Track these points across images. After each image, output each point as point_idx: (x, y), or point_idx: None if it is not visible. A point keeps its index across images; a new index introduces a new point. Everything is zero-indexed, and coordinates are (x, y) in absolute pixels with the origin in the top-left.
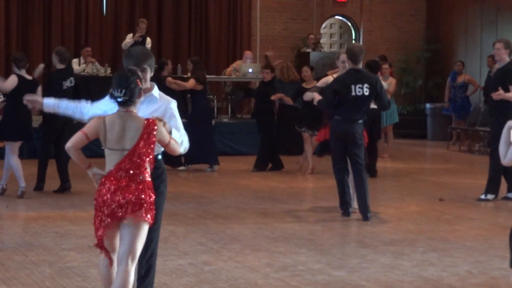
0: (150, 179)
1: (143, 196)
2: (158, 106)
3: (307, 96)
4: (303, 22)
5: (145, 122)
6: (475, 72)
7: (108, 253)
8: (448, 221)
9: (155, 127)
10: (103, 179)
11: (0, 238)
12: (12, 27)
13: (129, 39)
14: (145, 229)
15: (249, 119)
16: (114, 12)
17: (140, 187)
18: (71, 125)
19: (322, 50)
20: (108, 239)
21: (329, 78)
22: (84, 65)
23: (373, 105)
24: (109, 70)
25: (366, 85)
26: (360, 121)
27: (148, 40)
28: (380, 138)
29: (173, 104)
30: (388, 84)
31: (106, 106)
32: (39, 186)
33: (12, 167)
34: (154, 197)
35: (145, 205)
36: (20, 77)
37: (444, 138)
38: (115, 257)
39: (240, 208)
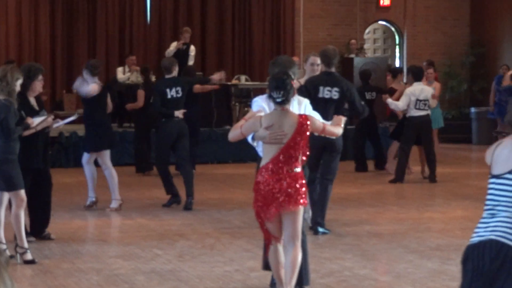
0: (301, 169)
1: (297, 185)
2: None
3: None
4: (347, 28)
5: (299, 117)
6: None
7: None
8: None
9: (308, 121)
10: (261, 171)
11: (48, 246)
12: (57, 37)
13: (173, 47)
14: (302, 212)
15: None
16: (158, 20)
17: (294, 177)
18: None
19: (366, 55)
20: (270, 227)
21: (296, 83)
22: (128, 74)
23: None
24: (153, 78)
25: (335, 88)
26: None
27: (192, 48)
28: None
29: (307, 101)
30: (433, 88)
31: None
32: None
33: (94, 177)
34: (305, 184)
35: (300, 193)
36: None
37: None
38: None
39: None
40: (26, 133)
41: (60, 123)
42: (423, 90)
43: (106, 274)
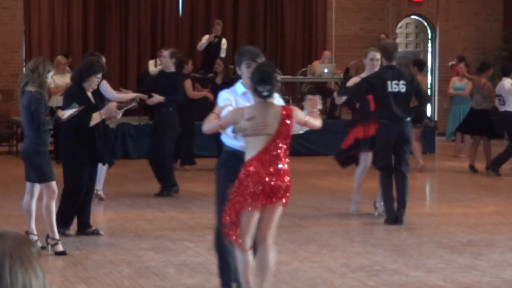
0: (287, 166)
1: (283, 182)
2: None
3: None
4: (379, 22)
5: (283, 108)
6: None
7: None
8: None
9: (292, 112)
10: (250, 162)
11: (79, 238)
12: (90, 30)
13: (204, 40)
14: (281, 211)
15: (325, 119)
16: (190, 13)
17: (281, 172)
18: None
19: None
20: (247, 220)
21: (357, 79)
22: (160, 66)
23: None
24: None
25: (402, 81)
26: (408, 119)
27: (224, 41)
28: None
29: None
30: (465, 84)
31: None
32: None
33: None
34: (289, 181)
35: (284, 191)
36: None
37: None
38: (248, 239)
39: (316, 208)
40: (92, 123)
41: (118, 112)
42: (499, 85)
43: (137, 266)
